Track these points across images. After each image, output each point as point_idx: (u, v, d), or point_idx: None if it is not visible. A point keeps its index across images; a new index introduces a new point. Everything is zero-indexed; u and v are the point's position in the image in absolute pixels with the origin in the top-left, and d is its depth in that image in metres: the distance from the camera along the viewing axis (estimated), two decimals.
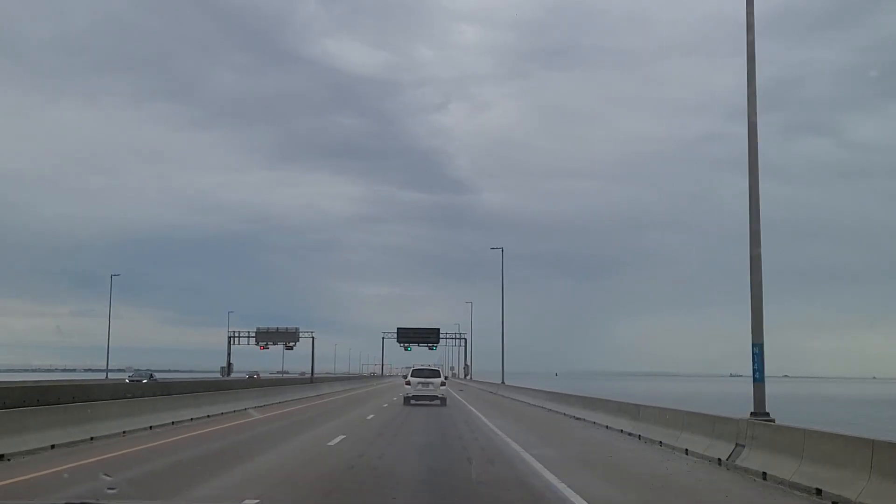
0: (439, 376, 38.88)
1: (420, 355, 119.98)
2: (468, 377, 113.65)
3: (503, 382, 66.80)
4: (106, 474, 7.98)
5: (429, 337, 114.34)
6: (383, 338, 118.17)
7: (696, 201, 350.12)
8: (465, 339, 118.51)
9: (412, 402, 37.53)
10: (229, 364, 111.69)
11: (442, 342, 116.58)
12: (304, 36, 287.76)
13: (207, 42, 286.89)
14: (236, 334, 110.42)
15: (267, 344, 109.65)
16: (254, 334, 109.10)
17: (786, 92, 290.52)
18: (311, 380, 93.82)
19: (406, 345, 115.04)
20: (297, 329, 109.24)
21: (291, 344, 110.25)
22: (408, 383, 38.28)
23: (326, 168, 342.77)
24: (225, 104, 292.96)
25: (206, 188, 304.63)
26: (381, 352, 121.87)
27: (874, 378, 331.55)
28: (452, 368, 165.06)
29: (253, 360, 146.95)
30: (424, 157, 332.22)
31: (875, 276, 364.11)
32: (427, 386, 37.74)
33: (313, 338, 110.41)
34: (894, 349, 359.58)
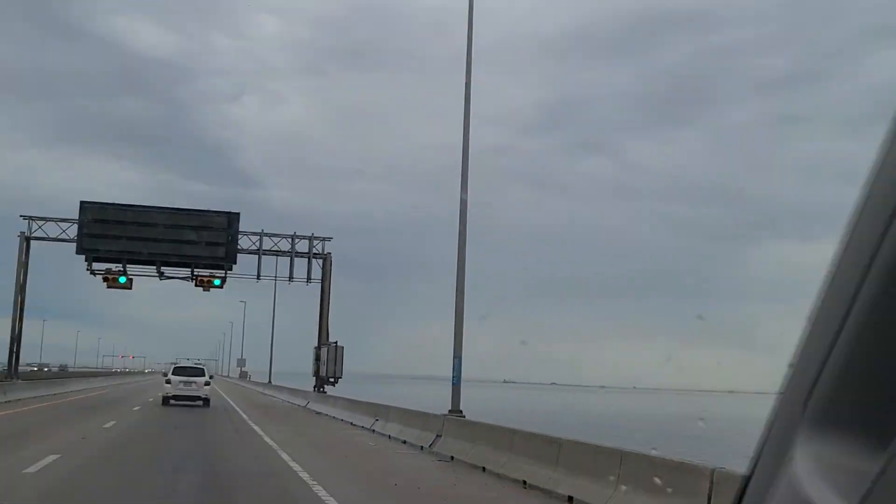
0: (203, 375, 37.02)
1: (154, 294, 57.24)
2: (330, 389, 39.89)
3: None
4: None
5: (189, 229, 41.09)
6: (26, 241, 45.22)
7: (479, 210, 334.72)
8: (329, 258, 44.95)
9: (171, 402, 35.40)
10: None
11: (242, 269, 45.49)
12: (93, 10, 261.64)
13: None
14: None
15: None
16: None
17: (572, 113, 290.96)
18: None
19: (106, 270, 45.27)
20: None
21: None
22: (168, 382, 36.60)
23: (106, 151, 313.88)
24: None
25: None
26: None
27: None
28: (243, 362, 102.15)
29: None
30: (214, 149, 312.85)
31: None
32: (189, 385, 35.83)
33: None
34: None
